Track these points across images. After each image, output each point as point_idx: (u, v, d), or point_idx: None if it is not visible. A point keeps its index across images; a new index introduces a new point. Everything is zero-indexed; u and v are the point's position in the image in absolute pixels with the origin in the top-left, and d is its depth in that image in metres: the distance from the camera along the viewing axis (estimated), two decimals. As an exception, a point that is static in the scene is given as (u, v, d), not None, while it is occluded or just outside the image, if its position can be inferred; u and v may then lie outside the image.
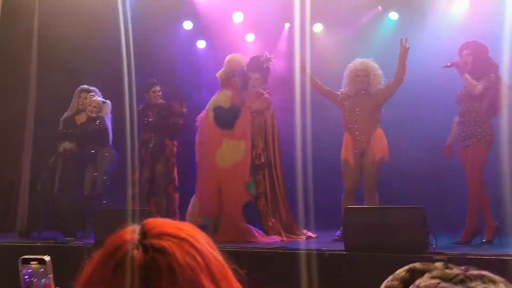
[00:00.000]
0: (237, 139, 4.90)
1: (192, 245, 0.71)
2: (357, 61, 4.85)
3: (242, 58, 5.23)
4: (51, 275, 0.93)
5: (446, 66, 4.45)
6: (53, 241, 4.55)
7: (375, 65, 4.83)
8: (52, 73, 6.10)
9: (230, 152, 4.86)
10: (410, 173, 5.70)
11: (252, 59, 5.22)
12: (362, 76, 4.78)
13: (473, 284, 0.63)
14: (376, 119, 4.80)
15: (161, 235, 0.71)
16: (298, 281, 3.55)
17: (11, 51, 6.17)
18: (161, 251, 0.69)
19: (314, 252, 3.60)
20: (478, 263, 3.16)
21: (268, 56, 5.18)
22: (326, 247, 3.85)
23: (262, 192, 4.90)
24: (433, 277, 0.66)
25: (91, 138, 5.33)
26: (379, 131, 4.77)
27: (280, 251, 3.85)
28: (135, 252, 0.69)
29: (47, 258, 0.93)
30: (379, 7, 6.38)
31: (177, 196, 5.40)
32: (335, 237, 4.57)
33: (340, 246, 3.80)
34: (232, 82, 5.10)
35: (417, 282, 0.65)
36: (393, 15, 6.34)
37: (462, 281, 0.63)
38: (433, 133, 5.60)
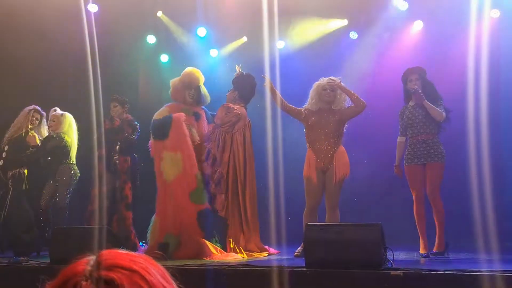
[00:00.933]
0: (173, 150, 4.79)
1: (142, 277, 0.72)
2: (325, 79, 4.93)
3: (200, 74, 5.23)
4: None
5: (414, 96, 4.59)
6: (6, 261, 4.37)
7: (342, 84, 4.90)
8: (5, 94, 5.92)
9: (170, 165, 4.77)
10: (370, 188, 5.84)
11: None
12: (329, 91, 4.85)
13: None
14: (339, 136, 4.87)
15: (113, 267, 0.72)
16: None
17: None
18: (110, 283, 0.70)
19: (276, 268, 3.62)
20: (433, 278, 3.28)
21: (238, 71, 5.17)
22: (287, 263, 3.87)
23: (224, 208, 4.85)
24: None
25: (51, 154, 5.20)
26: (342, 149, 4.85)
27: (241, 268, 3.84)
28: (84, 283, 0.70)
29: None
30: (346, 20, 6.52)
31: (129, 214, 5.27)
32: (296, 253, 4.61)
33: (301, 262, 3.84)
34: (186, 94, 5.08)
35: None
36: (353, 35, 6.54)
37: None
38: (390, 150, 5.77)
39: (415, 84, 4.61)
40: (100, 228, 4.15)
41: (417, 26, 6.33)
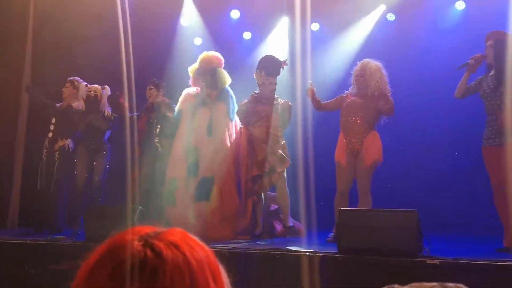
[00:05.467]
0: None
1: (189, 267, 0.70)
2: (360, 62, 4.82)
3: (215, 57, 5.16)
4: None
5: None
6: (44, 239, 4.49)
7: (373, 65, 4.69)
8: (46, 67, 6.06)
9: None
10: (405, 176, 5.69)
11: (264, 61, 4.98)
12: (359, 77, 4.74)
13: None
14: (373, 120, 4.72)
15: (170, 243, 0.71)
16: (290, 282, 3.53)
17: (5, 51, 6.13)
18: (157, 254, 0.69)
19: (307, 253, 3.58)
20: (471, 267, 3.16)
21: (282, 60, 4.97)
22: (319, 249, 3.82)
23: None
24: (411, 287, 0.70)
25: (98, 132, 5.27)
26: (374, 134, 4.71)
27: (272, 252, 3.82)
28: (136, 243, 0.70)
29: None
30: (383, 5, 6.30)
31: None
32: (328, 238, 4.55)
33: (333, 248, 3.78)
34: (201, 79, 5.09)
35: None
36: (390, 16, 6.31)
37: None
38: (428, 136, 5.60)
39: (488, 51, 4.12)
40: (134, 209, 4.21)
41: (459, 6, 6.05)
